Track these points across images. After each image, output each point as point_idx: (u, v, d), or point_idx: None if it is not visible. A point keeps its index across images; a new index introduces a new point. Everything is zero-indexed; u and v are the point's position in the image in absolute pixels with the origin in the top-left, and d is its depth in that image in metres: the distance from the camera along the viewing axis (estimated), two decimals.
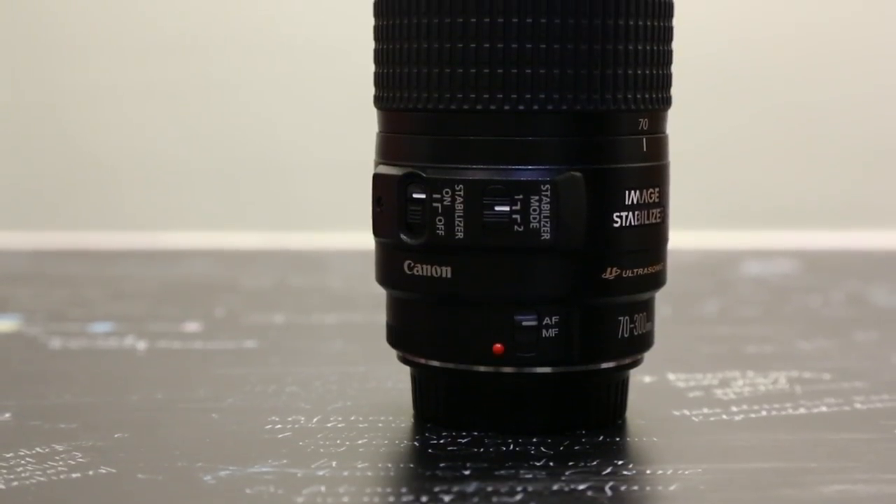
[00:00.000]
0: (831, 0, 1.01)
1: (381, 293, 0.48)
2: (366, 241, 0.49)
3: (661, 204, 0.46)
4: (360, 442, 0.45)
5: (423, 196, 0.44)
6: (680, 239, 0.56)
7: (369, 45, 0.47)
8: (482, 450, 0.44)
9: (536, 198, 0.44)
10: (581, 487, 0.41)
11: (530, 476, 0.41)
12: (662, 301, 0.51)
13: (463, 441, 0.45)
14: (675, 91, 0.48)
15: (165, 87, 1.01)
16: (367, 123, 0.50)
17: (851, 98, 1.01)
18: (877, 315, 0.71)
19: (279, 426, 0.47)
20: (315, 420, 0.48)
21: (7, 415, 0.48)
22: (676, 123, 0.51)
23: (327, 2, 0.99)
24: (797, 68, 1.01)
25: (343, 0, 0.92)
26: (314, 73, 1.00)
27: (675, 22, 0.47)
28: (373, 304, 0.56)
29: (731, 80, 1.01)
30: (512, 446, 0.44)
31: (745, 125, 1.01)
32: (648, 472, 0.43)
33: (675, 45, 0.47)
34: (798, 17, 1.01)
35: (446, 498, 0.40)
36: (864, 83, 1.02)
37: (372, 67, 0.47)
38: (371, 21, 0.47)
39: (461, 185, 0.44)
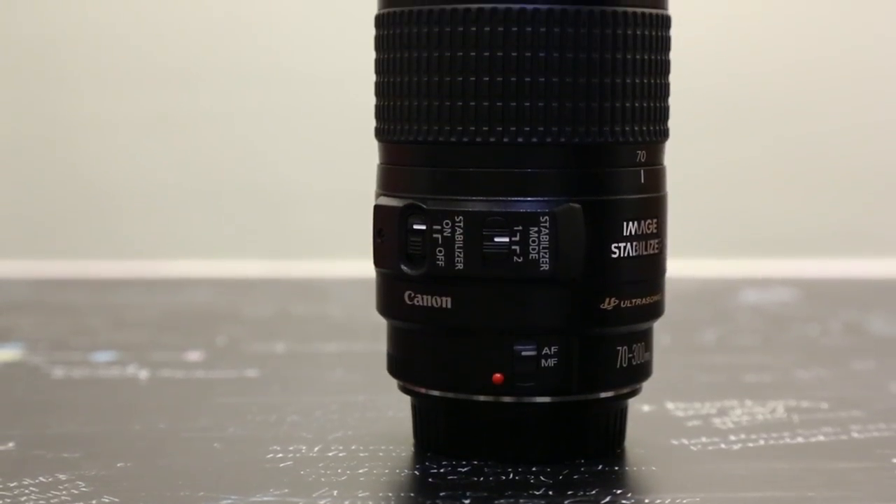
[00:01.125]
0: (828, 31, 1.01)
1: (381, 322, 0.49)
2: (366, 269, 0.49)
3: (659, 235, 0.47)
4: (360, 471, 0.46)
5: (423, 227, 0.45)
6: (679, 267, 0.57)
7: (370, 75, 0.48)
8: (482, 479, 0.44)
9: (535, 229, 0.44)
10: None
11: None
12: (661, 329, 0.51)
13: (463, 470, 0.45)
14: (674, 121, 0.48)
15: (167, 116, 1.01)
16: (367, 153, 0.50)
17: (849, 127, 1.02)
18: (874, 344, 0.71)
19: (280, 455, 0.47)
20: (316, 449, 0.48)
21: (11, 444, 0.49)
22: (675, 153, 0.52)
23: (330, 33, 1.00)
24: (795, 98, 1.02)
25: (346, 32, 0.92)
26: (315, 103, 1.01)
27: (674, 53, 0.47)
28: (373, 332, 0.57)
29: (730, 111, 1.01)
30: (511, 475, 0.45)
31: (744, 155, 1.02)
32: (647, 501, 0.43)
33: (673, 75, 0.48)
34: (796, 48, 1.02)
35: None
36: (862, 113, 1.02)
37: (372, 97, 0.48)
38: (372, 51, 0.48)
39: (461, 217, 0.44)
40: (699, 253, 0.95)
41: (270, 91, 1.01)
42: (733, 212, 1.02)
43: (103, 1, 1.01)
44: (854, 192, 1.02)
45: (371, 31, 0.48)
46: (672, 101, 0.48)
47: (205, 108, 1.01)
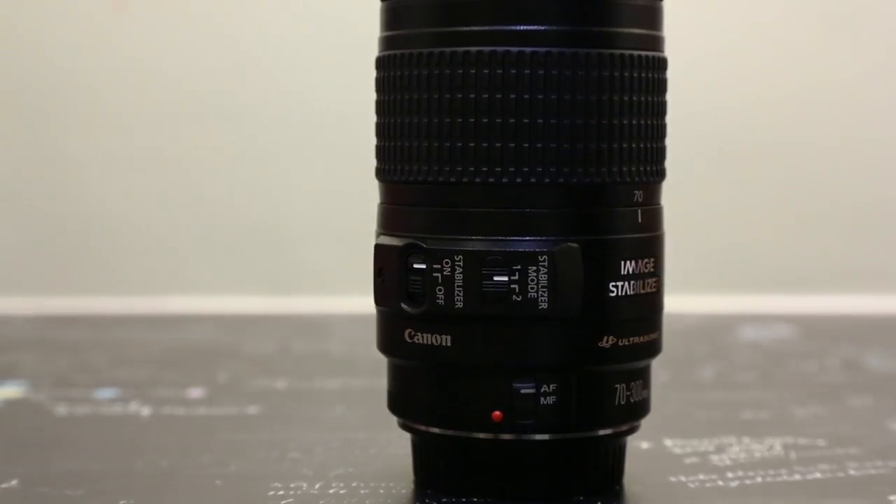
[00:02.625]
0: (824, 67, 1.02)
1: (382, 358, 0.49)
2: (367, 305, 0.50)
3: (657, 273, 0.47)
4: None
5: (423, 266, 0.45)
6: (677, 303, 0.57)
7: (371, 115, 0.49)
8: None
9: (534, 268, 0.45)
10: None
11: None
12: (660, 366, 0.51)
13: None
14: (673, 157, 0.49)
15: (168, 154, 1.02)
16: (368, 190, 0.51)
17: (846, 165, 1.03)
18: (871, 380, 0.71)
19: (282, 492, 0.48)
20: (317, 486, 0.49)
21: (14, 482, 0.49)
22: (674, 188, 0.52)
23: (332, 72, 1.01)
24: (791, 136, 1.02)
25: (347, 72, 0.93)
26: (317, 142, 1.02)
27: (671, 91, 0.48)
28: (374, 369, 0.57)
29: (727, 147, 1.02)
30: None
31: (741, 192, 1.02)
32: None
33: (670, 113, 0.48)
34: (793, 86, 1.02)
35: None
36: (859, 150, 1.03)
37: (373, 133, 0.48)
38: (373, 91, 0.48)
39: (460, 256, 0.45)
40: (698, 289, 0.95)
41: (272, 129, 1.02)
42: (731, 248, 1.02)
43: (105, 39, 1.01)
44: (851, 229, 1.03)
45: (372, 72, 0.48)
46: (670, 137, 0.48)
47: (206, 145, 1.02)
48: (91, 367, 0.73)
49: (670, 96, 0.48)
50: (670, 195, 0.50)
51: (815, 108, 1.02)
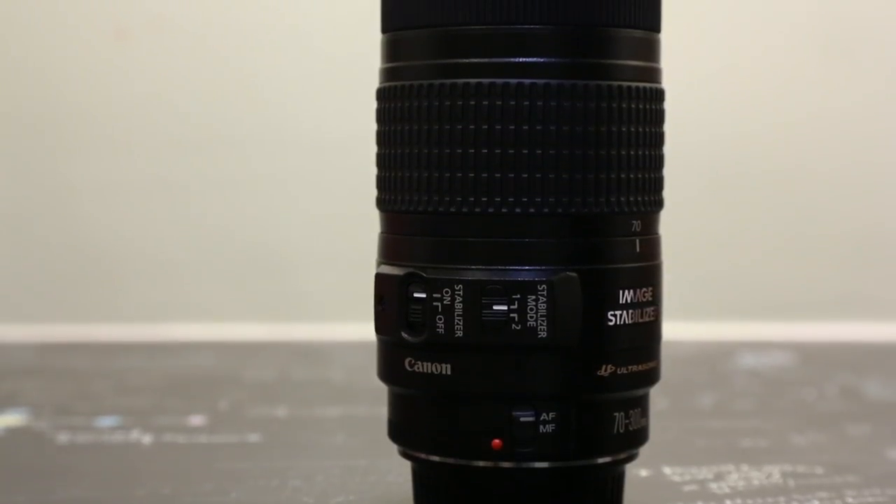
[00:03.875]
0: (822, 95, 1.03)
1: (382, 386, 0.49)
2: (367, 332, 0.50)
3: (655, 302, 0.48)
4: None
5: (423, 295, 0.46)
6: (676, 331, 0.57)
7: (371, 142, 0.49)
8: None
9: (533, 297, 0.45)
10: None
11: None
12: (659, 393, 0.52)
13: None
14: (671, 184, 0.49)
15: (169, 181, 1.03)
16: (369, 218, 0.51)
17: (843, 191, 1.03)
18: (870, 408, 0.72)
19: None
20: None
21: None
22: (672, 216, 0.53)
23: (333, 101, 1.01)
24: (790, 163, 1.03)
25: (348, 100, 0.94)
26: (318, 170, 1.02)
27: (669, 119, 0.49)
28: (374, 396, 0.57)
29: (725, 174, 1.02)
30: None
31: (740, 219, 1.03)
32: None
33: (669, 140, 0.49)
34: (789, 111, 1.03)
35: None
36: (857, 176, 1.03)
37: (373, 161, 0.49)
38: (374, 116, 0.49)
39: (460, 285, 0.45)
40: (696, 316, 0.96)
41: (273, 157, 1.02)
42: (730, 275, 1.03)
43: (106, 67, 1.02)
44: (850, 256, 1.03)
45: (373, 101, 0.49)
46: (669, 164, 0.49)
47: (207, 173, 1.03)
48: (92, 395, 0.74)
49: (668, 124, 0.49)
50: (669, 222, 0.51)
51: (813, 135, 1.03)
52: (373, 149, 0.49)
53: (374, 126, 0.49)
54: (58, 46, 1.02)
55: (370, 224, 0.50)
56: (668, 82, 0.49)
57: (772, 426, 0.65)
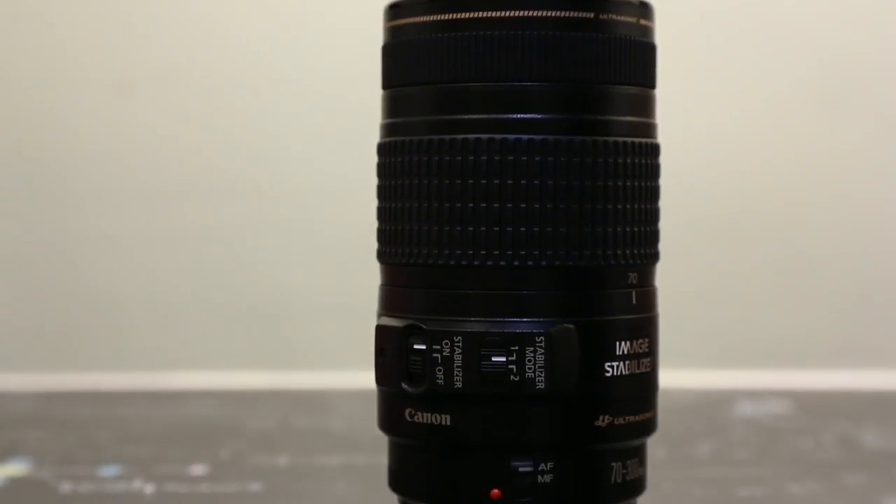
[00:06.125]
0: (820, 142, 1.03)
1: (382, 435, 0.50)
2: (368, 380, 0.50)
3: (651, 353, 0.48)
4: None
5: (423, 347, 0.47)
6: (673, 379, 0.58)
7: (372, 195, 0.50)
8: None
9: (531, 349, 0.46)
10: None
11: None
12: (657, 442, 0.52)
13: None
14: (668, 232, 0.50)
15: (170, 230, 1.03)
16: (369, 266, 0.52)
17: (840, 240, 1.04)
18: (866, 457, 0.72)
19: None
20: None
21: None
22: (669, 264, 0.53)
23: (335, 154, 1.02)
24: (786, 213, 1.04)
25: (350, 153, 0.95)
26: (318, 219, 1.03)
27: (666, 166, 0.50)
28: (375, 445, 0.58)
29: (723, 224, 1.03)
30: None
31: (736, 267, 1.03)
32: None
33: (667, 189, 0.50)
34: (786, 159, 1.04)
35: None
36: (854, 226, 1.04)
37: (374, 211, 0.50)
38: (374, 167, 0.50)
39: (459, 337, 0.46)
40: (694, 364, 0.96)
41: (275, 208, 1.03)
42: (727, 323, 1.03)
43: (108, 120, 1.03)
44: (847, 304, 1.04)
45: (374, 151, 0.50)
46: (667, 215, 0.50)
47: (209, 222, 1.03)
48: (95, 444, 0.74)
49: (665, 176, 0.50)
50: (666, 269, 0.51)
51: (809, 184, 1.04)
52: (374, 201, 0.50)
53: (375, 179, 0.50)
54: (61, 98, 1.03)
55: (371, 274, 0.51)
56: (664, 135, 0.50)
57: (769, 475, 0.66)
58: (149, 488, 0.62)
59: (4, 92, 1.04)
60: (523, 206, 0.46)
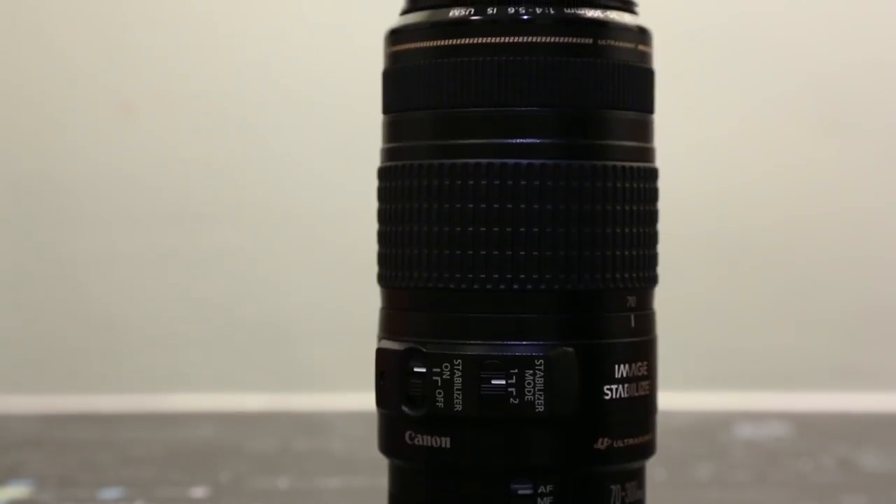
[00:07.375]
0: (818, 168, 1.04)
1: (382, 457, 0.50)
2: (368, 402, 0.51)
3: (649, 376, 0.49)
4: None
5: (423, 370, 0.47)
6: (673, 401, 0.58)
7: (372, 218, 0.50)
8: None
9: (531, 372, 0.46)
10: None
11: None
12: (657, 464, 0.52)
13: None
14: (667, 255, 0.50)
15: (170, 253, 1.04)
16: (369, 288, 0.52)
17: (840, 263, 1.04)
18: (866, 480, 0.72)
19: None
20: None
21: None
22: (668, 287, 0.54)
23: (335, 178, 1.02)
24: (784, 235, 1.04)
25: (351, 176, 0.95)
26: (318, 241, 1.03)
27: (664, 188, 0.50)
28: (375, 467, 0.58)
29: (722, 247, 1.03)
30: None
31: (735, 290, 1.04)
32: None
33: (667, 213, 0.50)
34: (784, 185, 1.04)
35: None
36: (853, 249, 1.04)
37: (374, 233, 0.50)
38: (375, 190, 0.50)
39: (459, 360, 0.46)
40: (693, 386, 0.96)
41: (276, 232, 1.03)
42: (727, 346, 1.03)
43: (109, 141, 1.03)
44: (846, 327, 1.04)
45: (374, 173, 0.50)
46: (666, 238, 0.50)
47: (210, 246, 1.04)
48: (95, 466, 0.74)
49: (664, 199, 0.50)
50: (667, 293, 0.52)
51: (809, 208, 1.04)
52: (374, 225, 0.50)
53: (375, 202, 0.50)
54: (63, 119, 1.04)
55: (371, 297, 0.51)
56: (662, 159, 0.50)
57: (769, 497, 0.66)
58: None
59: (7, 112, 1.04)
60: (522, 230, 0.46)
